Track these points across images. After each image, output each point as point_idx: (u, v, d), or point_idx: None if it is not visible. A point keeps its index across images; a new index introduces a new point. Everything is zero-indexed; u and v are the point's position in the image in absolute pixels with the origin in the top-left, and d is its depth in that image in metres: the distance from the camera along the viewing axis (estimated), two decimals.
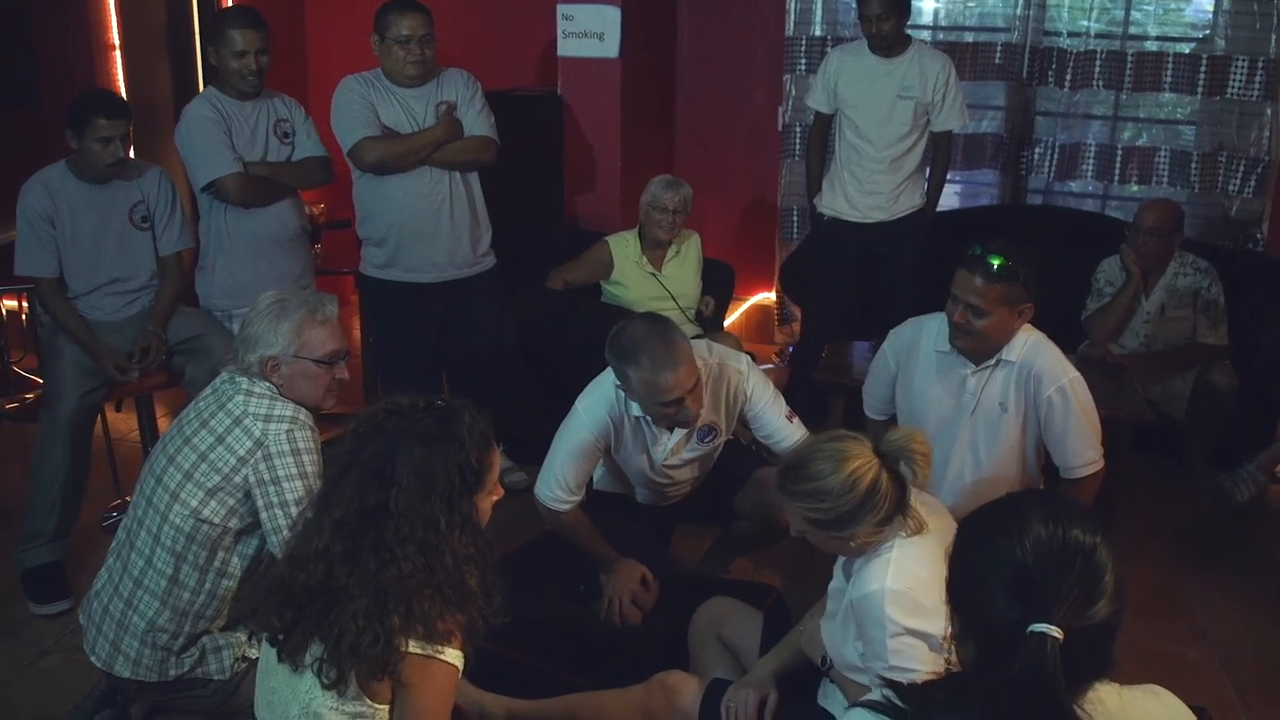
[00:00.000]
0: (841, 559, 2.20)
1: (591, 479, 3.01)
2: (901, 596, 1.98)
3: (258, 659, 2.08)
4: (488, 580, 1.83)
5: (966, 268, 2.65)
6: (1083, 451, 2.76)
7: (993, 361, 2.75)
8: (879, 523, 2.01)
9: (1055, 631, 1.27)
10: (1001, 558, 1.34)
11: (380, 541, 1.76)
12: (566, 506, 2.84)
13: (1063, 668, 1.26)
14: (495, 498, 1.92)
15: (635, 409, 2.77)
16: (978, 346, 2.72)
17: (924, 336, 2.88)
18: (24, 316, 4.73)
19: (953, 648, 1.48)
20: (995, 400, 2.78)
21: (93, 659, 2.46)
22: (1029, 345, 2.74)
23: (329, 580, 1.76)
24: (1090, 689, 1.36)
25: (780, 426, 2.90)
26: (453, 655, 1.79)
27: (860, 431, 2.11)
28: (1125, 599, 1.35)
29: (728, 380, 2.86)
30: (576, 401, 2.84)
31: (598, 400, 2.81)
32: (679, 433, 2.83)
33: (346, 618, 1.72)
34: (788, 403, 2.96)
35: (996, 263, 2.59)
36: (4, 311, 4.77)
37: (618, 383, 2.73)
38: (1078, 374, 2.75)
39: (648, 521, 3.10)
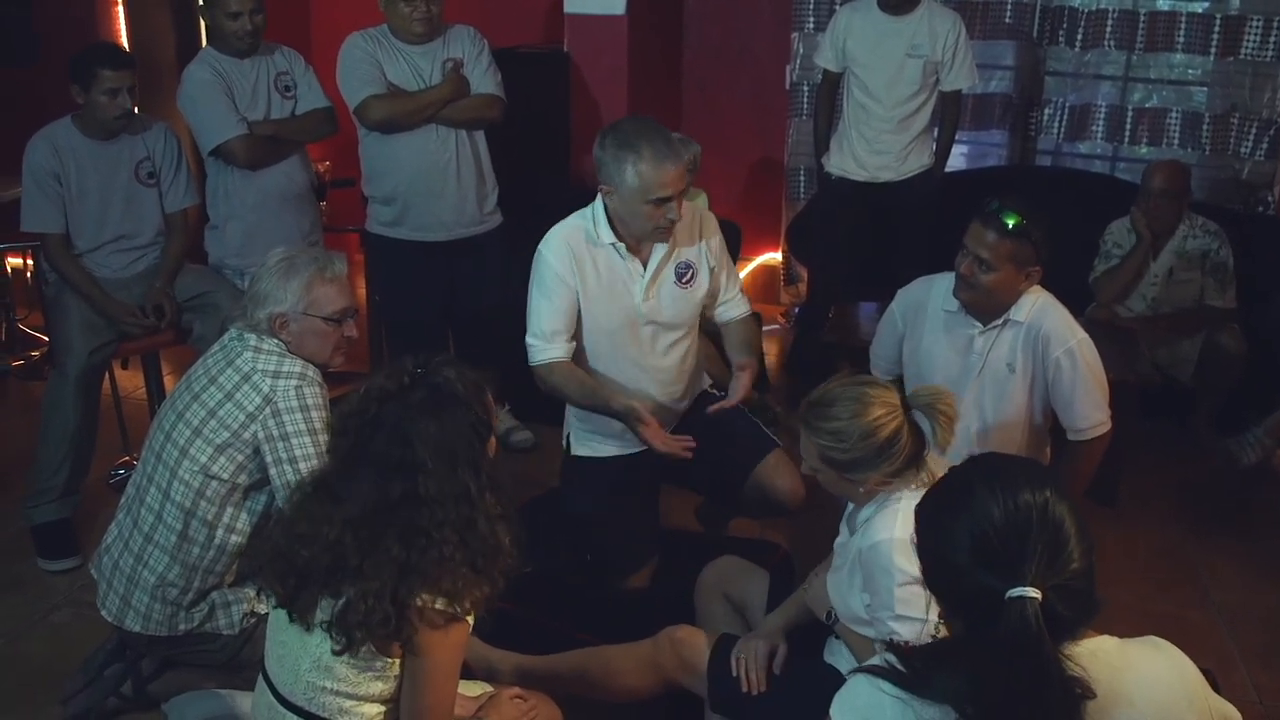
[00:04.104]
0: (846, 513, 2.22)
1: (569, 438, 2.94)
2: (910, 546, 1.98)
3: (267, 614, 2.09)
4: (516, 534, 1.84)
5: (981, 221, 2.64)
6: (1090, 414, 2.75)
7: (1000, 321, 2.74)
8: (891, 473, 2.04)
9: (1032, 593, 1.29)
10: (960, 536, 1.36)
11: (412, 528, 1.73)
12: (553, 355, 2.68)
13: (1049, 622, 1.28)
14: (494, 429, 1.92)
15: (606, 235, 2.68)
16: (981, 301, 2.71)
17: (933, 296, 2.87)
18: (28, 274, 4.72)
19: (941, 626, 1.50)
20: (1003, 361, 2.77)
21: (103, 613, 2.49)
22: (1037, 306, 2.72)
23: (337, 562, 1.75)
24: (1084, 636, 1.38)
25: (728, 286, 2.91)
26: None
27: None
28: (1091, 539, 1.36)
29: (694, 212, 2.84)
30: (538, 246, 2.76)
31: (556, 234, 2.73)
32: (654, 262, 2.73)
33: (357, 595, 1.72)
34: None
35: (1011, 221, 2.59)
36: (9, 269, 4.76)
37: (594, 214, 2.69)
38: (1086, 336, 2.74)
39: (636, 494, 2.96)
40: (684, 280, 2.80)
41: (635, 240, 2.72)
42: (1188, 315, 3.98)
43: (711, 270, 2.86)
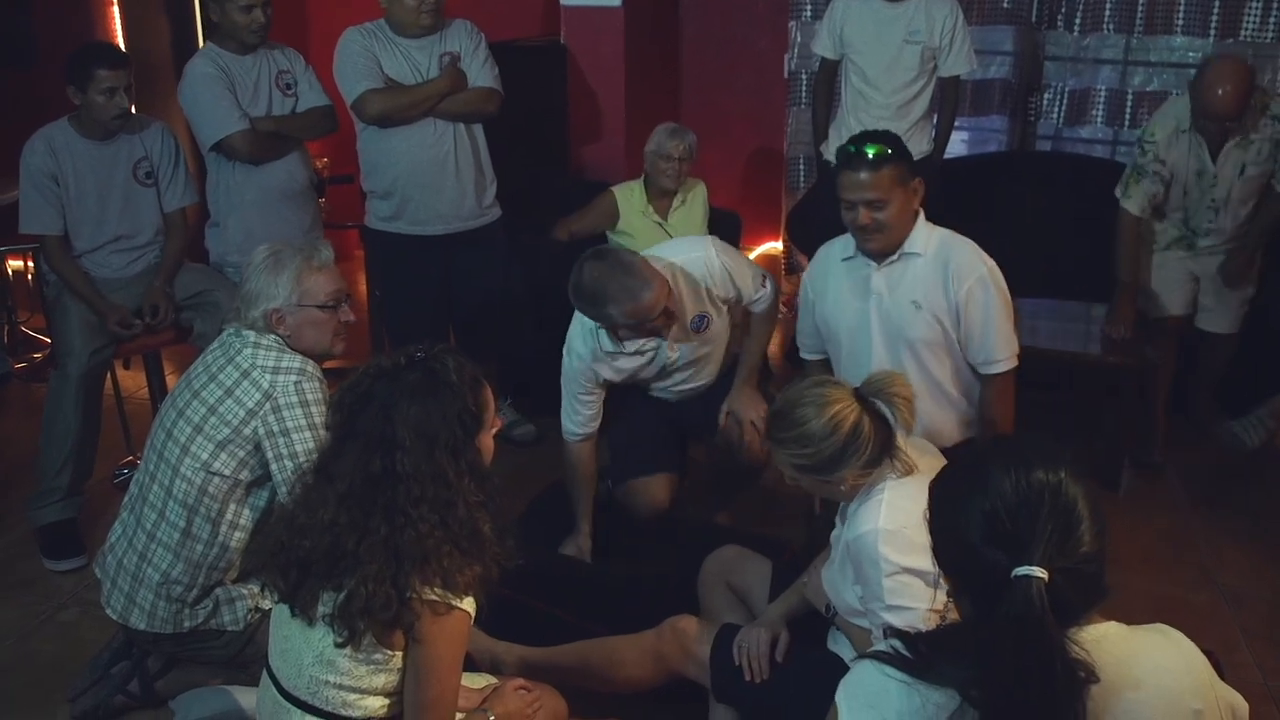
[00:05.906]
0: (840, 507, 2.22)
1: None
2: (895, 536, 1.99)
3: (271, 609, 2.10)
4: (499, 524, 1.84)
5: (848, 168, 2.61)
6: (1003, 345, 2.69)
7: (895, 257, 2.68)
8: (864, 465, 2.04)
9: (1039, 572, 1.28)
10: (972, 513, 1.36)
11: (392, 506, 1.75)
12: (575, 438, 3.02)
13: (1055, 605, 1.28)
14: (495, 430, 1.93)
15: (607, 344, 2.84)
16: (889, 240, 2.66)
17: (831, 255, 2.85)
18: (29, 276, 4.73)
19: (950, 604, 1.49)
20: (906, 299, 2.69)
21: (108, 612, 2.49)
22: (938, 239, 2.68)
23: (335, 548, 1.77)
24: (1090, 621, 1.37)
25: (752, 292, 2.99)
26: (466, 603, 1.80)
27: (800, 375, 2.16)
28: (1104, 522, 1.35)
29: (695, 271, 2.89)
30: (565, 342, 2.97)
31: (574, 350, 2.92)
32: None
33: (357, 582, 1.73)
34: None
35: (873, 150, 2.57)
36: (10, 271, 4.77)
37: (592, 324, 2.83)
38: (994, 263, 2.68)
39: (662, 429, 3.18)
40: (700, 330, 2.94)
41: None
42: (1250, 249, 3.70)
43: (730, 301, 2.97)
